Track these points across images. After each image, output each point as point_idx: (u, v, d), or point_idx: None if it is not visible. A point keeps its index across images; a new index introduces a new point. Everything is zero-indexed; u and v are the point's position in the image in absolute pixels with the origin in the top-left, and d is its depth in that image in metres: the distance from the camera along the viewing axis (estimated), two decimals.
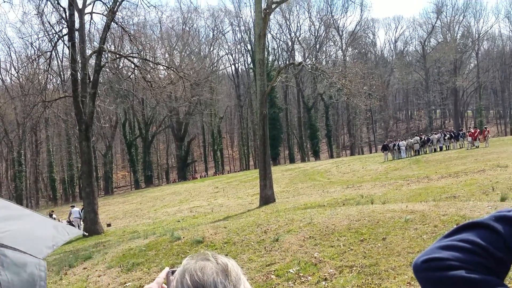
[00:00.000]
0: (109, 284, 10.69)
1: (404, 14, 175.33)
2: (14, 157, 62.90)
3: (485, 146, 34.70)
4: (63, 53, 49.28)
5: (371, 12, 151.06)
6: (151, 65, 28.28)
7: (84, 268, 12.22)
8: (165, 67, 31.34)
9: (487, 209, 10.84)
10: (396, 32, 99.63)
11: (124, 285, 10.38)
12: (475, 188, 15.76)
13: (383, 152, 41.50)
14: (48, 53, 28.60)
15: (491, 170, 20.58)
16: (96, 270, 11.82)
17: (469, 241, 1.00)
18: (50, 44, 28.92)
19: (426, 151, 40.32)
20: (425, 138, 41.45)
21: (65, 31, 25.78)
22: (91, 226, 21.25)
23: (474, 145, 35.73)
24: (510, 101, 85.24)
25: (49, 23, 28.13)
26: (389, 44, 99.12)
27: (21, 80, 60.55)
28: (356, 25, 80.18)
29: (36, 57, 33.07)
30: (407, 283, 7.97)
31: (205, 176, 70.38)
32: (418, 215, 11.30)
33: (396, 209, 12.35)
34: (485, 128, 41.11)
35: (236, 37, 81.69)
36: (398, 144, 40.75)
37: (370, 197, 17.44)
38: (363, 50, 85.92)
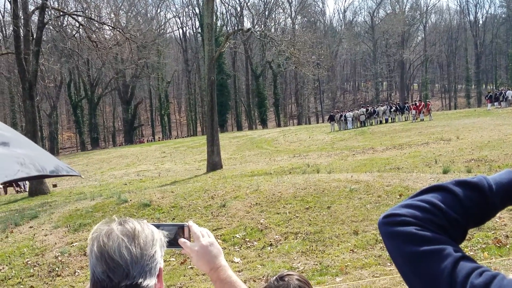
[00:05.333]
0: (55, 243, 10.58)
1: None
2: None
3: (429, 119, 35.74)
4: (4, 8, 47.03)
5: None
6: (96, 24, 27.46)
7: (31, 227, 12.05)
8: (111, 27, 30.40)
9: (429, 181, 11.24)
10: (345, 1, 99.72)
11: (71, 245, 10.31)
12: (418, 160, 16.29)
13: (329, 123, 42.09)
14: None
15: (434, 143, 21.29)
16: (43, 229, 11.66)
17: (427, 201, 1.05)
18: None
19: (372, 122, 41.24)
20: (371, 110, 42.34)
21: None
22: (37, 185, 20.56)
23: (419, 118, 36.73)
24: (455, 75, 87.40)
25: None
26: (338, 13, 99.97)
27: None
28: None
29: None
30: (350, 250, 8.23)
31: (151, 140, 69.55)
32: (363, 185, 11.60)
33: (341, 178, 12.61)
34: (428, 101, 42.31)
35: (183, 0, 79.60)
36: (345, 115, 41.41)
37: (316, 166, 17.72)
38: (312, 19, 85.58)
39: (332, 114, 44.20)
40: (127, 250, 1.20)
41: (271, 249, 8.85)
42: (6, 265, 9.72)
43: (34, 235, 11.34)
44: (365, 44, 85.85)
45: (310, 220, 9.96)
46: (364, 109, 42.66)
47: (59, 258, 9.64)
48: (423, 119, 36.29)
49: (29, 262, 9.68)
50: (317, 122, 75.75)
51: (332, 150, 25.26)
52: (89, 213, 12.49)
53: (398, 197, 10.33)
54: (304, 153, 25.06)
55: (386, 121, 41.00)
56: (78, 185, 22.11)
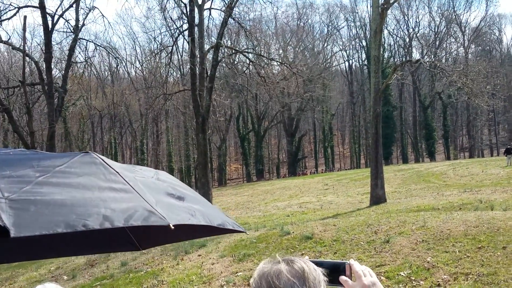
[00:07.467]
0: (221, 272, 10.97)
1: None
2: (138, 146, 67.09)
3: None
4: (183, 48, 51.48)
5: (497, 7, 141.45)
6: (266, 60, 28.76)
7: (199, 255, 12.61)
8: (278, 63, 31.75)
9: None
10: None
11: (236, 274, 10.58)
12: None
13: (505, 156, 38.82)
14: (170, 48, 30.03)
15: None
16: (210, 258, 12.16)
17: None
18: (171, 39, 30.43)
19: None
20: None
21: (185, 26, 27.00)
22: None
23: None
24: None
25: (171, 19, 29.66)
26: None
27: (144, 73, 64.09)
28: (481, 21, 75.01)
29: (158, 51, 35.04)
30: None
31: (314, 172, 70.23)
32: None
33: None
34: None
35: (351, 33, 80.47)
36: None
37: (490, 203, 16.41)
38: (488, 47, 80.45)
39: (509, 147, 40.69)
40: None
41: None
42: None
43: (202, 263, 11.85)
44: None
45: (483, 261, 9.20)
46: None
47: (225, 287, 10.03)
48: None
49: None
50: (491, 156, 70.15)
51: (508, 186, 23.17)
52: (253, 243, 12.77)
53: None
54: (476, 188, 23.35)
55: None
56: (243, 215, 22.98)
